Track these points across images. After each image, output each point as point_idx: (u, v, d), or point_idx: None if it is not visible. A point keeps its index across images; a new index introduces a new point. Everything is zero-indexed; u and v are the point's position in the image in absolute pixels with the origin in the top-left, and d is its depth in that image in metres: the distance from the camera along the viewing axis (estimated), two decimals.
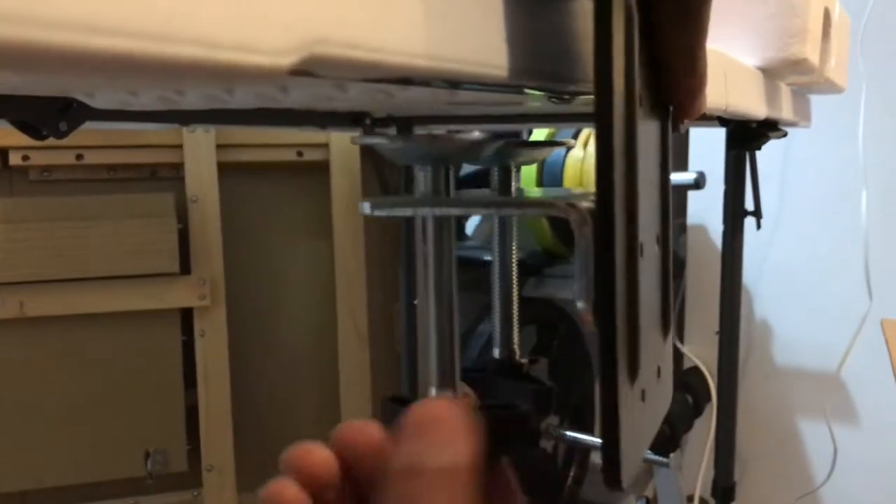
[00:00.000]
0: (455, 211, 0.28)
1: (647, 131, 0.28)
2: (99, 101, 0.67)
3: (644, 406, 0.26)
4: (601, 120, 0.24)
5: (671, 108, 0.32)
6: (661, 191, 0.28)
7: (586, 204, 0.27)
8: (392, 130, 1.26)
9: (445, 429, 0.27)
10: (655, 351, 0.28)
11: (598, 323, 0.24)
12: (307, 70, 0.15)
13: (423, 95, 0.56)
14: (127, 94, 0.63)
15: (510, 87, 0.25)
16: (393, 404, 0.32)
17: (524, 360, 0.34)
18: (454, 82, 0.24)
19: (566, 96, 0.32)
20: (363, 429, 0.30)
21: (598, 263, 0.24)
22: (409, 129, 1.24)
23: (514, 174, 0.36)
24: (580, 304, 0.27)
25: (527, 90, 0.28)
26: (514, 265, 0.35)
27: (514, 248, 0.35)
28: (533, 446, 0.32)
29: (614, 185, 0.23)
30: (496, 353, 0.36)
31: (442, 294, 0.28)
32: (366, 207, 0.30)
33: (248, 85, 0.13)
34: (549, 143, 0.33)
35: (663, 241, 0.28)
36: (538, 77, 0.24)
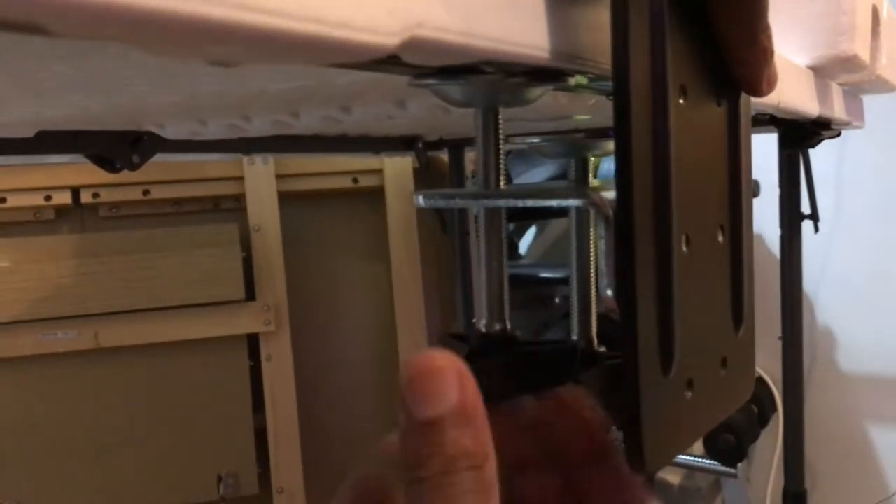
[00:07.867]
0: (502, 202, 0.30)
1: (699, 117, 0.28)
2: (170, 132, 0.71)
3: (694, 395, 0.27)
4: (619, 105, 0.24)
5: (741, 88, 0.31)
6: (731, 178, 0.29)
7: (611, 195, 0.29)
8: (444, 152, 1.29)
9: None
10: (718, 341, 0.29)
11: (619, 309, 0.25)
12: (406, 50, 0.17)
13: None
14: (197, 123, 0.67)
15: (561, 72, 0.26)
16: (453, 340, 0.34)
17: (602, 349, 0.36)
18: (512, 70, 0.25)
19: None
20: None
21: (616, 254, 0.25)
22: (460, 150, 1.27)
23: (591, 167, 0.38)
24: (609, 292, 0.29)
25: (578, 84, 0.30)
26: (592, 255, 0.36)
27: (592, 235, 0.36)
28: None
29: (633, 172, 0.24)
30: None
31: (491, 244, 0.31)
32: (419, 200, 0.32)
33: (352, 59, 0.15)
34: None
35: (733, 230, 0.29)
36: (578, 63, 0.25)
